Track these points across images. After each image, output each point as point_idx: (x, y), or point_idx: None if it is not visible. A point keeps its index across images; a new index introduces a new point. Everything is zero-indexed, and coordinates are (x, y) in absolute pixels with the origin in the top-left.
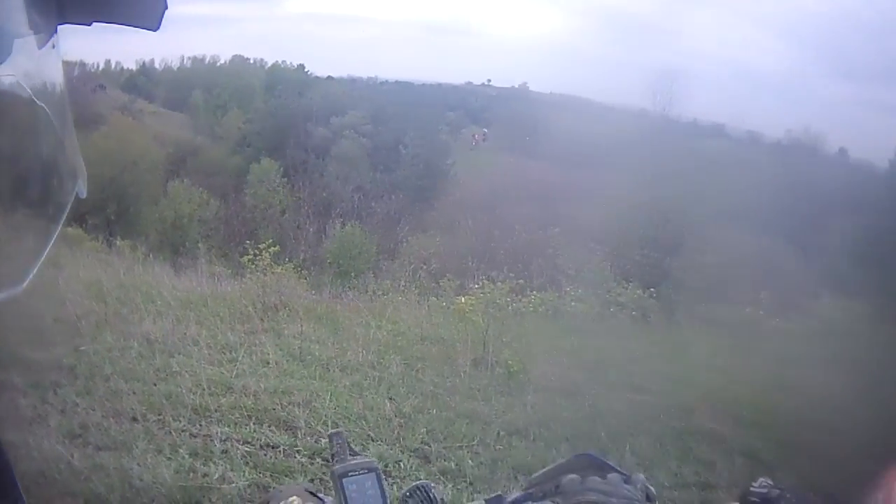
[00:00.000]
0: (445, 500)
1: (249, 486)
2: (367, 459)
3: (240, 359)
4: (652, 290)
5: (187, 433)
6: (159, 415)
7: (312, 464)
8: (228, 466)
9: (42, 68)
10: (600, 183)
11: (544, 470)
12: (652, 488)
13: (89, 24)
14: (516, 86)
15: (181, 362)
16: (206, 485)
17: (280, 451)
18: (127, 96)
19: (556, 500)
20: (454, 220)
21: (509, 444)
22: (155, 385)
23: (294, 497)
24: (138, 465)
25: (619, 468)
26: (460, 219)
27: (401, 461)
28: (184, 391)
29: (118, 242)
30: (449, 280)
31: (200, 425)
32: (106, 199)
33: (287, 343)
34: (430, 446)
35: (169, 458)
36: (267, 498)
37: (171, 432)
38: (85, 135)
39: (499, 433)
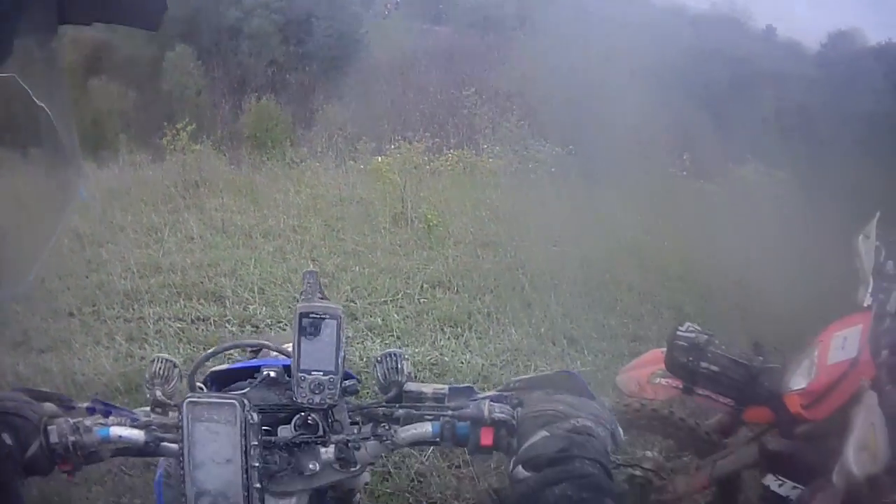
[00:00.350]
0: (412, 373)
1: (185, 361)
2: (332, 305)
3: (165, 238)
4: (571, 147)
5: (121, 319)
6: (94, 306)
7: (242, 331)
8: (163, 345)
9: (42, 68)
10: (515, 46)
11: (523, 377)
12: (620, 430)
13: (89, 24)
14: None
15: (110, 250)
16: (143, 367)
17: (210, 323)
18: None
19: (519, 406)
20: (368, 86)
21: (433, 297)
22: (87, 277)
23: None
24: (79, 359)
25: (594, 395)
26: (374, 85)
27: None
28: (115, 278)
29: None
30: (365, 143)
31: (133, 309)
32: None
33: (209, 217)
34: (355, 303)
35: (107, 347)
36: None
37: (105, 321)
38: None
39: (422, 286)
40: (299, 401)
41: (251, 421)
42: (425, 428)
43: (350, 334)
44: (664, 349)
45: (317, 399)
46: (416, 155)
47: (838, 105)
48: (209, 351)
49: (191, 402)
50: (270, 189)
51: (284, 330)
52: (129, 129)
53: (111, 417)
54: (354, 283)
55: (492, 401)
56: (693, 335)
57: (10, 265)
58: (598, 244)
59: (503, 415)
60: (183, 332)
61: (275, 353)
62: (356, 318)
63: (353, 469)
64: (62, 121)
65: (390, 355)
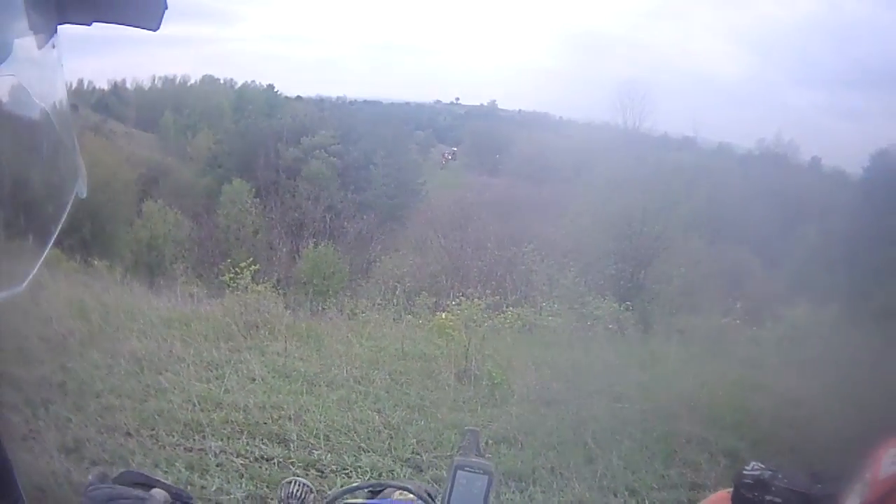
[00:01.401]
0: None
1: (248, 497)
2: (486, 462)
3: (227, 375)
4: (628, 303)
5: (182, 447)
6: (152, 430)
7: (307, 475)
8: (225, 479)
9: (42, 68)
10: (571, 198)
11: None
12: None
13: (89, 24)
14: (485, 104)
15: (170, 379)
16: (203, 496)
17: (274, 463)
18: (98, 116)
19: None
20: (426, 238)
21: (497, 452)
22: (146, 401)
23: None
24: None
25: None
26: (432, 237)
27: (394, 470)
28: (175, 407)
29: (95, 263)
30: (424, 298)
31: (194, 440)
32: (81, 220)
33: (271, 360)
34: (420, 456)
35: (166, 472)
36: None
37: (165, 447)
38: None
39: (487, 442)
40: None
41: None
42: None
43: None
44: (729, 490)
45: None
46: (477, 312)
47: (880, 230)
48: (352, 486)
49: None
50: (332, 338)
51: (350, 478)
52: (185, 258)
53: None
54: (420, 437)
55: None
56: (758, 472)
57: (6, 269)
58: (657, 398)
59: None
60: (246, 469)
61: (398, 493)
62: (421, 471)
63: None
64: (61, 121)
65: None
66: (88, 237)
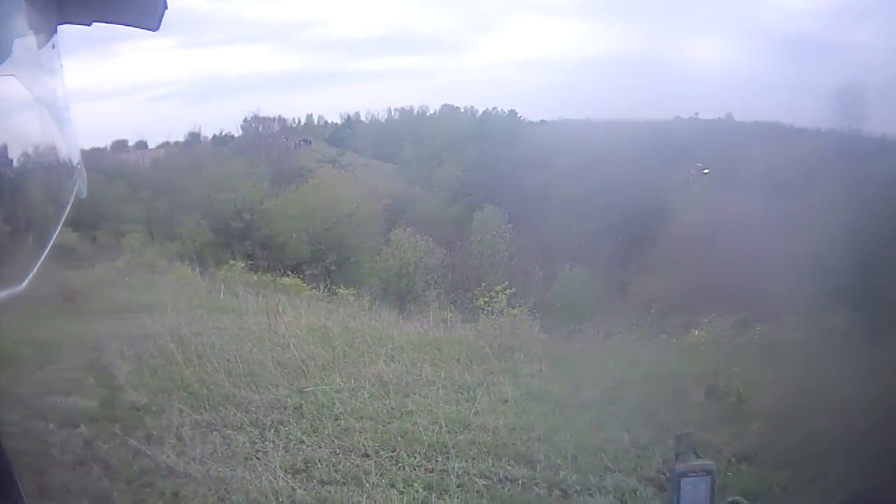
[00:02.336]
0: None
1: None
2: (706, 462)
3: (478, 398)
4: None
5: (422, 468)
6: (393, 451)
7: (550, 495)
8: (464, 499)
9: (42, 68)
10: (812, 211)
11: None
12: None
13: (89, 24)
14: (722, 117)
15: (416, 402)
16: None
17: (518, 485)
18: (334, 149)
19: None
20: (676, 258)
21: (738, 470)
22: (388, 423)
23: None
24: (368, 498)
25: None
26: (682, 257)
27: (637, 490)
28: (419, 429)
29: (341, 290)
30: (675, 317)
31: (436, 461)
32: (323, 250)
33: (524, 382)
34: (664, 475)
35: (402, 492)
36: None
37: (404, 467)
38: (294, 186)
39: (729, 460)
40: None
41: None
42: None
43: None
44: None
45: None
46: (726, 329)
47: None
48: None
49: None
50: (585, 360)
51: (592, 497)
52: (437, 285)
53: None
54: (666, 455)
55: None
56: None
57: (8, 266)
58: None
59: None
60: (487, 490)
61: None
62: (664, 490)
63: None
64: (61, 121)
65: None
66: (333, 266)
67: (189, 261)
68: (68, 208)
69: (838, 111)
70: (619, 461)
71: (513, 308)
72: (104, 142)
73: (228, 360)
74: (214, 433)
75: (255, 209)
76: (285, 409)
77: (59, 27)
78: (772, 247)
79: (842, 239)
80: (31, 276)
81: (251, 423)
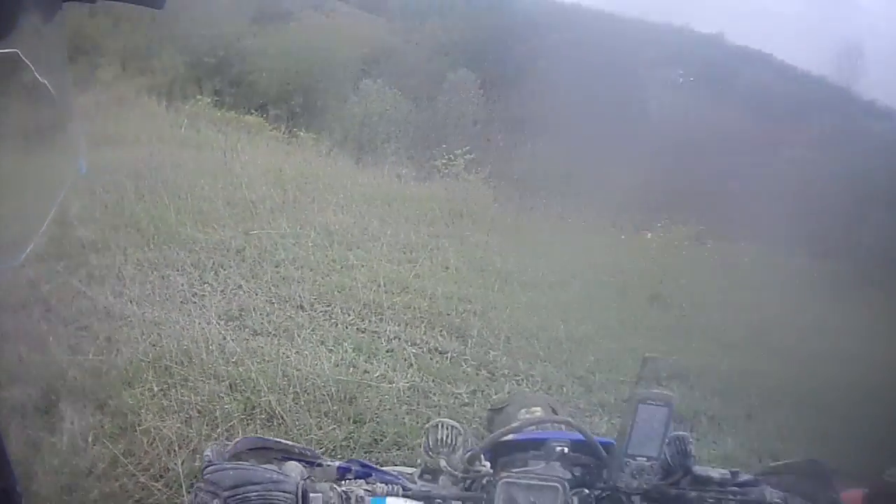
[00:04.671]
0: (694, 454)
1: (409, 388)
2: (667, 392)
3: (420, 260)
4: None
5: (355, 327)
6: (328, 306)
7: (478, 374)
8: (391, 366)
9: (46, 45)
10: (791, 143)
11: (776, 464)
12: None
13: (94, 2)
14: (713, 33)
15: (359, 256)
16: (364, 381)
17: (447, 358)
18: None
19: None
20: (642, 156)
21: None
22: (327, 276)
23: (538, 409)
24: (297, 353)
25: (836, 487)
26: (647, 158)
27: (564, 385)
28: (357, 285)
29: (301, 134)
30: (631, 214)
31: (370, 321)
32: (291, 92)
33: (470, 251)
34: (594, 376)
35: (330, 351)
36: (507, 400)
37: (337, 324)
38: (274, 27)
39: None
40: (618, 484)
41: None
42: None
43: (581, 405)
44: (865, 490)
45: (634, 484)
46: (681, 239)
47: None
48: (510, 427)
49: (507, 482)
50: (535, 239)
51: (520, 384)
52: (398, 139)
53: (378, 485)
54: (598, 356)
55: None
56: None
57: (5, 241)
58: (854, 373)
59: (779, 501)
60: (416, 358)
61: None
62: (591, 391)
63: None
64: (63, 98)
65: (679, 438)
66: (297, 109)
67: (157, 95)
68: (67, 185)
69: (836, 64)
70: (550, 352)
71: (469, 174)
72: None
73: (179, 197)
74: (154, 273)
75: (231, 46)
76: (228, 251)
77: (65, 4)
78: (742, 171)
79: (815, 183)
80: (25, 253)
81: (192, 265)
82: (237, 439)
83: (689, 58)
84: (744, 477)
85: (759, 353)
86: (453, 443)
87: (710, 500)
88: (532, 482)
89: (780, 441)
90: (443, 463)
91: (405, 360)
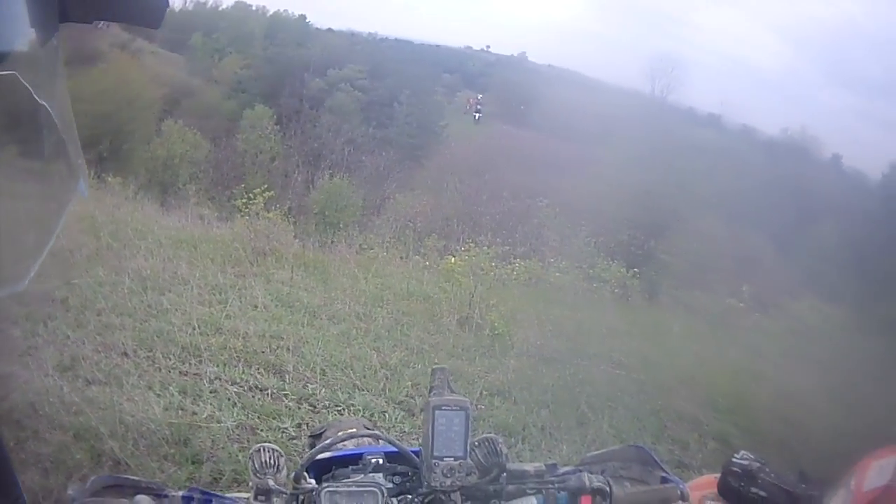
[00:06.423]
0: (506, 452)
1: (237, 426)
2: (461, 398)
3: (230, 301)
4: (635, 270)
5: (177, 371)
6: (150, 351)
7: (300, 408)
8: (217, 406)
9: (43, 66)
10: (592, 159)
11: (595, 452)
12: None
13: (91, 23)
14: (515, 54)
15: (172, 300)
16: (194, 423)
17: (268, 394)
18: (128, 34)
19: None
20: (442, 181)
21: (491, 404)
22: (146, 322)
23: (353, 429)
24: (128, 400)
25: (664, 465)
26: (448, 181)
27: (386, 412)
28: (174, 329)
29: (109, 179)
30: (435, 240)
31: (190, 364)
32: (99, 136)
33: (276, 289)
34: (414, 400)
35: (158, 395)
36: (326, 426)
37: (161, 369)
38: (84, 70)
39: (481, 392)
40: (433, 484)
41: None
42: (530, 501)
43: (406, 429)
44: (716, 475)
45: (448, 482)
46: (486, 260)
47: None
48: (325, 443)
49: (330, 491)
50: (338, 272)
51: (342, 414)
52: (199, 179)
53: None
54: (415, 380)
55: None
56: (747, 462)
57: (9, 264)
58: (655, 370)
59: (600, 484)
60: (239, 397)
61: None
62: (413, 414)
63: None
64: (63, 119)
65: (488, 440)
66: (106, 154)
67: None
68: (69, 208)
69: (649, 76)
70: (367, 380)
71: (269, 212)
72: None
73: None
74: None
75: None
76: (54, 301)
77: (61, 25)
78: (543, 186)
79: (621, 191)
80: (30, 276)
81: (25, 317)
82: (93, 477)
83: (489, 79)
84: (564, 469)
85: (579, 363)
86: (276, 464)
87: (531, 492)
88: (352, 489)
89: (620, 441)
90: (271, 483)
91: (229, 399)
